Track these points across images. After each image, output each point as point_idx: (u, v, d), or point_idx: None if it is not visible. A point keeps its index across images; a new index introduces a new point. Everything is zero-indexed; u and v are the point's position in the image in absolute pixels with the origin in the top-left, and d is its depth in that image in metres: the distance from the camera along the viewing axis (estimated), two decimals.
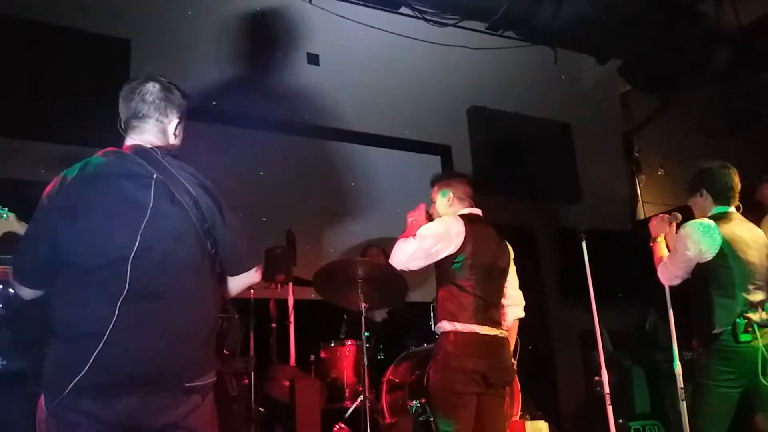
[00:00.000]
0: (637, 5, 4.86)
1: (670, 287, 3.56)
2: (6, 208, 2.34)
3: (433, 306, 3.15)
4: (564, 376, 6.25)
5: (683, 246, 3.20)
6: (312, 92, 5.66)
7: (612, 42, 5.31)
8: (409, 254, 2.96)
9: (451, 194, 3.21)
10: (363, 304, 3.88)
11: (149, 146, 2.03)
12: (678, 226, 3.37)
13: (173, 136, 2.12)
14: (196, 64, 5.05)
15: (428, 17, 5.73)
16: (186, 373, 1.89)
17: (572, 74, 7.02)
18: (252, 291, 4.07)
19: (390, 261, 3.10)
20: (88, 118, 4.36)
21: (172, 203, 1.92)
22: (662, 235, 3.48)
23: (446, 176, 3.38)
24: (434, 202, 3.25)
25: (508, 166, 6.48)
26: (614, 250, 5.79)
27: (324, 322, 4.57)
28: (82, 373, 1.74)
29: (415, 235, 3.00)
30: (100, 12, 4.85)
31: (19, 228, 2.34)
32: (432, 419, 3.44)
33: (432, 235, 2.96)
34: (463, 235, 2.98)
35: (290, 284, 4.28)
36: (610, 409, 3.74)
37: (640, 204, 7.27)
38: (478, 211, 3.21)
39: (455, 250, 2.97)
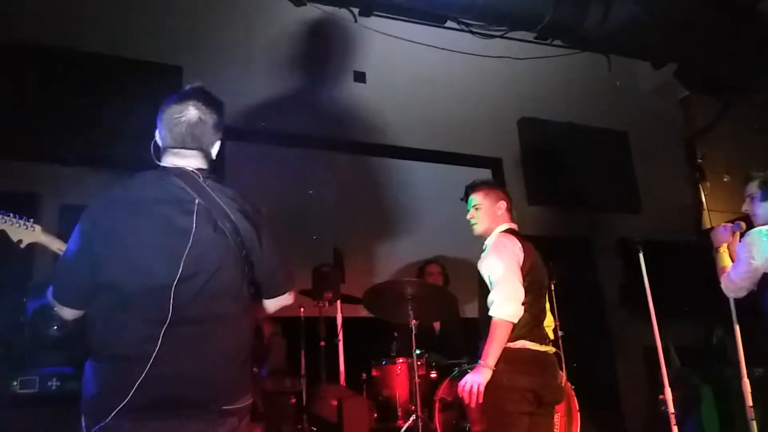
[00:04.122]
0: (690, 6, 4.68)
1: (736, 299, 3.37)
2: (32, 220, 2.31)
3: (480, 323, 3.04)
4: (628, 394, 5.99)
5: (748, 255, 3.03)
6: (360, 110, 5.69)
7: (666, 46, 5.13)
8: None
9: (506, 205, 3.12)
10: (413, 321, 3.84)
11: (190, 169, 2.03)
12: (741, 236, 3.20)
13: (213, 156, 2.13)
14: (245, 87, 5.16)
15: (474, 30, 5.71)
16: (224, 396, 1.88)
17: (628, 80, 6.82)
18: (302, 309, 4.09)
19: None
20: (145, 143, 4.49)
21: (214, 230, 1.92)
22: (725, 245, 3.31)
23: (498, 184, 3.27)
24: (478, 208, 3.11)
25: (562, 177, 6.32)
26: (679, 261, 5.55)
27: (375, 339, 4.53)
28: (128, 398, 1.74)
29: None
30: (154, 41, 5.04)
31: (46, 240, 2.31)
32: None
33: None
34: (523, 253, 2.90)
35: (338, 302, 4.27)
36: (675, 429, 3.55)
37: (705, 212, 6.95)
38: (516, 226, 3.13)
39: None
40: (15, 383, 2.86)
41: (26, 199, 4.28)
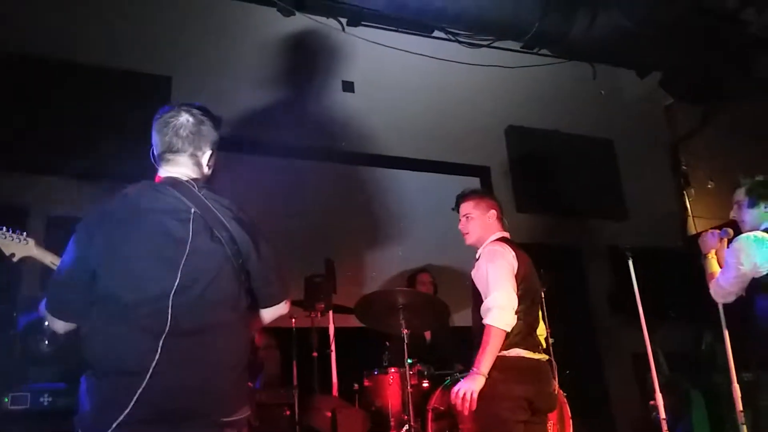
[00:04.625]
0: (676, 15, 4.75)
1: (725, 305, 3.41)
2: (25, 233, 2.32)
3: (472, 331, 3.04)
4: (619, 401, 6.02)
5: (736, 260, 3.07)
6: (348, 119, 5.70)
7: (651, 54, 5.21)
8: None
9: (497, 213, 3.13)
10: (405, 331, 3.83)
11: (185, 179, 2.04)
12: (729, 242, 3.24)
13: (207, 167, 2.13)
14: (234, 96, 5.15)
15: (461, 39, 5.75)
16: (223, 407, 1.88)
17: (612, 89, 6.90)
18: (293, 320, 4.07)
19: None
20: (134, 154, 4.47)
21: (210, 239, 1.92)
22: (713, 251, 3.35)
23: (488, 193, 3.29)
24: (469, 217, 3.12)
25: (549, 185, 6.36)
26: (665, 268, 5.60)
27: (366, 349, 4.52)
28: (126, 412, 1.73)
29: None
30: (143, 52, 5.02)
31: (39, 254, 2.33)
32: None
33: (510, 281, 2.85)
34: (516, 261, 2.91)
35: (330, 312, 4.26)
36: None
37: (690, 219, 7.02)
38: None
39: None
40: (6, 399, 2.81)
41: (14, 210, 4.23)
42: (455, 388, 2.77)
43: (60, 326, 1.97)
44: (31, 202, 4.39)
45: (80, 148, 4.60)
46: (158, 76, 5.04)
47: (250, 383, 2.04)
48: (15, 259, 2.29)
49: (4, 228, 2.27)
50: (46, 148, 4.52)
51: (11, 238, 2.27)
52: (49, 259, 2.28)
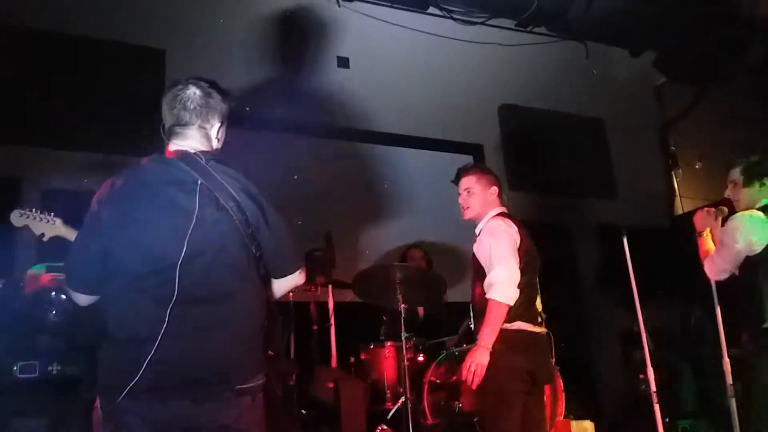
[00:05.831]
0: None
1: (716, 282, 3.48)
2: (52, 213, 2.42)
3: (472, 306, 3.09)
4: (605, 375, 6.14)
5: (732, 238, 3.12)
6: (343, 95, 5.68)
7: (646, 34, 5.24)
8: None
9: (497, 190, 3.15)
10: (402, 305, 3.88)
11: (193, 151, 2.05)
12: (724, 220, 3.30)
13: (216, 140, 2.14)
14: (229, 71, 5.08)
15: (456, 16, 5.75)
16: (237, 375, 1.91)
17: (604, 68, 6.92)
18: (291, 294, 4.10)
19: None
20: (128, 127, 4.45)
21: (216, 209, 1.94)
22: (708, 229, 3.40)
23: (489, 169, 3.31)
24: (471, 192, 3.12)
25: (541, 164, 6.41)
26: (652, 246, 5.67)
27: (363, 323, 4.57)
28: (137, 378, 1.77)
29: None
30: (137, 24, 4.95)
31: (66, 232, 2.41)
32: (476, 420, 3.43)
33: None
34: (518, 235, 2.95)
35: (330, 286, 4.30)
36: (657, 407, 3.67)
37: (677, 199, 7.13)
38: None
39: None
40: (15, 368, 2.86)
41: (8, 183, 4.20)
42: (466, 363, 2.81)
43: (83, 300, 2.02)
44: (25, 174, 4.35)
45: (73, 120, 4.56)
46: (152, 48, 4.98)
47: (271, 352, 2.07)
48: (45, 239, 2.40)
49: (34, 209, 2.39)
50: (39, 120, 4.46)
51: (40, 219, 2.40)
52: None
